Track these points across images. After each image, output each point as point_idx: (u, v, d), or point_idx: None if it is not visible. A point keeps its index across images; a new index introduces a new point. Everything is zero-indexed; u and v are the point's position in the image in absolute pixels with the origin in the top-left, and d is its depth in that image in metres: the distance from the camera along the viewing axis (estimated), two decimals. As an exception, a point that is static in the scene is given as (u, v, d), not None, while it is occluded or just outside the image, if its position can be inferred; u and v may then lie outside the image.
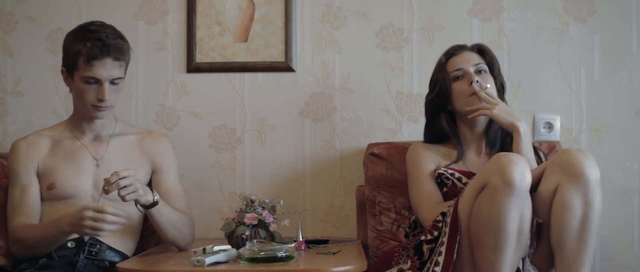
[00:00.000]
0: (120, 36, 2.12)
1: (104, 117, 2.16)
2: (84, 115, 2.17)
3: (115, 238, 2.14)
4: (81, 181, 2.14)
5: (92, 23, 2.13)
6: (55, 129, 2.25)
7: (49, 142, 2.19)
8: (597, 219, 1.81)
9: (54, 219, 2.01)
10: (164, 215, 2.08)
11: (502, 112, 2.06)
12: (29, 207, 2.12)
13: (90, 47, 2.04)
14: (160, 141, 2.30)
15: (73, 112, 2.23)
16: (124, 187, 1.90)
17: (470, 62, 2.15)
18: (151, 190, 2.04)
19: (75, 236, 2.09)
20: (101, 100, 2.08)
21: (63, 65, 2.15)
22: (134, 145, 2.25)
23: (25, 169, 2.15)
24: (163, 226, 2.09)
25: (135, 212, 2.18)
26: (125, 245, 2.18)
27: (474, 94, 2.10)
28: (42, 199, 2.15)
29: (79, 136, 2.21)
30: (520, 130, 2.03)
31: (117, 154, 2.21)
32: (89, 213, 1.87)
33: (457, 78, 2.15)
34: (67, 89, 2.21)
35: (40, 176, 2.15)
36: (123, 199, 1.92)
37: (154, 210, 2.04)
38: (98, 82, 2.07)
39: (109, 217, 1.88)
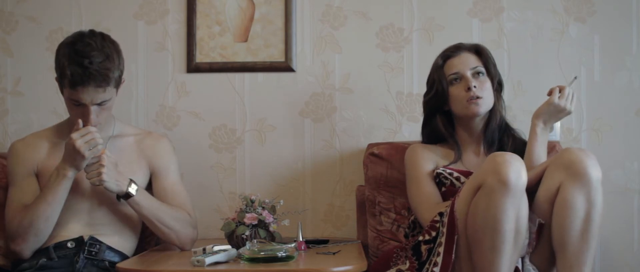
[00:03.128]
0: (107, 56, 2.02)
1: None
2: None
3: (115, 238, 2.14)
4: (79, 183, 2.13)
5: (81, 39, 2.04)
6: (53, 130, 2.24)
7: (47, 143, 2.19)
8: (599, 218, 1.82)
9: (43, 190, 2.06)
10: (145, 208, 2.08)
11: None
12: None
13: (71, 74, 1.98)
14: (159, 142, 2.29)
15: (69, 118, 2.22)
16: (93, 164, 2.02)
17: (467, 65, 2.15)
18: (132, 182, 2.05)
19: (75, 235, 2.10)
20: (87, 122, 2.04)
21: (56, 75, 2.11)
22: (132, 147, 2.25)
23: (24, 170, 2.15)
24: (146, 220, 2.11)
25: (132, 215, 2.19)
26: (125, 245, 2.17)
27: (471, 99, 2.09)
28: None
29: None
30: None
31: (116, 156, 2.20)
32: (75, 135, 1.99)
33: (453, 81, 2.15)
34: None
35: (38, 177, 2.15)
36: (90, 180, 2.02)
37: (131, 201, 2.06)
38: (83, 104, 2.03)
39: (91, 128, 2.01)
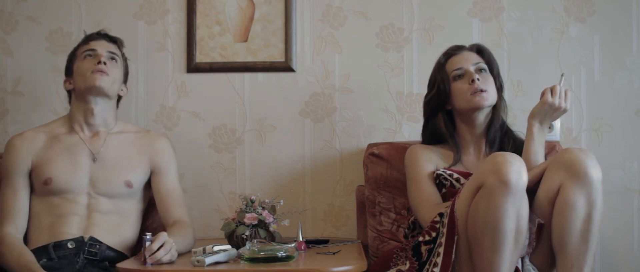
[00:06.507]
0: (116, 38, 2.31)
1: (103, 85, 2.16)
2: (84, 102, 2.20)
3: (114, 238, 2.14)
4: (77, 176, 2.15)
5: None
6: (52, 124, 2.28)
7: (44, 137, 2.22)
8: (599, 219, 1.82)
9: (31, 266, 1.99)
10: (180, 251, 2.05)
11: None
12: (18, 213, 2.13)
13: (87, 36, 2.27)
14: (159, 141, 2.31)
15: (71, 109, 2.26)
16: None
17: (470, 61, 2.15)
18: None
19: (76, 235, 2.10)
20: (99, 62, 2.16)
21: (65, 74, 2.26)
22: (132, 143, 2.27)
23: (18, 169, 2.17)
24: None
25: (131, 212, 2.19)
26: (125, 245, 2.18)
27: (475, 91, 2.09)
28: (38, 195, 2.16)
29: (77, 130, 2.22)
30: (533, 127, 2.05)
31: (114, 150, 2.22)
32: None
33: (457, 77, 2.15)
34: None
35: (36, 171, 2.17)
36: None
37: None
38: (95, 52, 2.21)
39: None
